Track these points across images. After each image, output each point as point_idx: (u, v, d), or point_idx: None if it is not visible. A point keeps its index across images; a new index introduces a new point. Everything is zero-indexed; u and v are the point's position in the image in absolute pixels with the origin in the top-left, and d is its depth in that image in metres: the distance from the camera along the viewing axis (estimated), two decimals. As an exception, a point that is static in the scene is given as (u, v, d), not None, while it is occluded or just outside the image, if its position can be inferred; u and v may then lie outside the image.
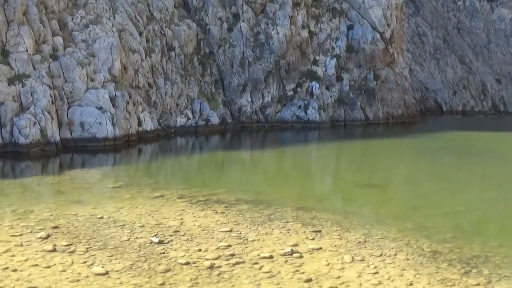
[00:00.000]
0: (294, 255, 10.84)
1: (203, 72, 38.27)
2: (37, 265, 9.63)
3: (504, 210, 16.84)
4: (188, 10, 39.00)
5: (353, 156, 29.56)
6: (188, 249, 10.98)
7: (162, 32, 35.14)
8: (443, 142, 34.45)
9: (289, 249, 11.13)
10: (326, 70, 42.24)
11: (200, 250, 10.96)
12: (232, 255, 10.72)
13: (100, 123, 26.00)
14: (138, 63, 31.70)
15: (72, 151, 24.99)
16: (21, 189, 17.32)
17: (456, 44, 58.11)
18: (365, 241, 11.92)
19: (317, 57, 42.31)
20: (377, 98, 43.73)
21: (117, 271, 9.54)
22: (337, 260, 10.61)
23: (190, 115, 35.25)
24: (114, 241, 11.27)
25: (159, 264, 10.01)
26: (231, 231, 12.46)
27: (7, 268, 9.43)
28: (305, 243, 11.72)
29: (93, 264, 9.80)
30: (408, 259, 10.74)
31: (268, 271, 9.89)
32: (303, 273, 9.87)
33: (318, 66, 42.08)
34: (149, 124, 30.61)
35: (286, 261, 10.50)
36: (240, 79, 39.42)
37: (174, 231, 12.24)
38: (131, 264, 9.89)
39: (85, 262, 9.86)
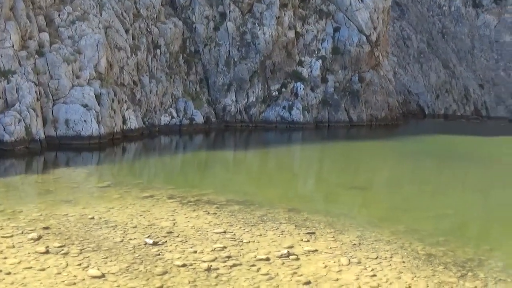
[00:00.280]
0: (291, 257, 10.80)
1: (188, 71, 38.06)
2: (31, 267, 9.42)
3: (489, 213, 17.04)
4: (175, 8, 38.75)
5: (337, 157, 29.65)
6: (184, 251, 10.86)
7: (148, 30, 34.85)
8: (425, 145, 34.71)
9: (285, 251, 11.08)
10: (311, 71, 42.27)
11: (195, 251, 10.85)
12: (229, 257, 10.63)
13: (85, 121, 25.69)
14: (123, 60, 31.38)
15: (56, 149, 24.64)
16: (6, 188, 16.96)
17: (440, 49, 58.64)
18: (360, 244, 11.93)
19: (302, 58, 42.33)
20: (361, 100, 43.90)
21: (113, 273, 9.38)
22: (334, 262, 10.59)
23: (175, 114, 35.00)
24: (108, 242, 11.10)
25: (156, 266, 9.88)
26: (225, 232, 12.38)
27: (0, 271, 9.21)
28: (300, 245, 11.68)
29: (88, 266, 9.63)
30: (404, 262, 10.77)
31: (266, 273, 9.83)
32: (301, 275, 9.83)
33: (303, 67, 42.10)
34: (134, 122, 30.33)
35: (283, 263, 10.45)
36: (225, 78, 39.28)
37: (168, 232, 12.11)
38: (127, 266, 9.74)
39: (80, 264, 9.68)
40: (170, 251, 10.80)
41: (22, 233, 11.38)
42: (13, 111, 23.30)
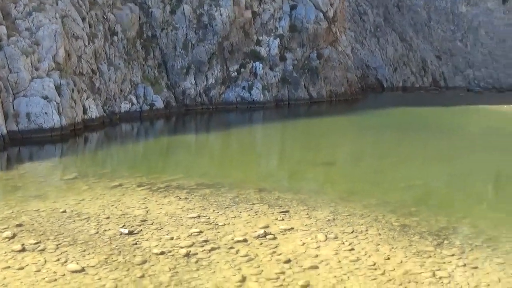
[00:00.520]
0: (268, 236, 10.91)
1: (146, 56, 37.49)
2: (9, 267, 9.26)
3: (455, 182, 17.51)
4: (129, -7, 37.95)
5: (299, 135, 29.82)
6: (160, 238, 10.85)
7: (105, 17, 34.10)
8: (385, 118, 35.21)
9: (261, 231, 11.19)
10: (269, 50, 42.22)
11: (172, 238, 10.86)
12: (206, 241, 10.67)
13: (46, 113, 25.11)
14: (81, 49, 30.69)
15: (19, 143, 24.05)
16: (-30, 186, 16.55)
17: (397, 22, 59.29)
18: (334, 219, 12.12)
19: (260, 38, 42.20)
20: (321, 76, 44.15)
21: (92, 266, 9.32)
22: (311, 239, 10.75)
23: (134, 100, 34.50)
24: (83, 235, 10.99)
25: (134, 256, 9.85)
26: (199, 216, 12.39)
27: (-23, 271, 9.04)
28: (275, 224, 11.80)
29: (66, 261, 9.53)
30: (380, 234, 11.01)
31: (246, 255, 9.91)
32: (280, 254, 9.95)
33: (261, 47, 42.01)
34: (94, 111, 29.80)
35: (261, 243, 10.55)
36: (184, 61, 38.87)
37: (142, 221, 12.06)
38: (105, 258, 9.68)
39: (58, 260, 9.57)
40: (147, 240, 10.77)
41: (-6, 232, 11.16)
42: (-29, 107, 22.61)
